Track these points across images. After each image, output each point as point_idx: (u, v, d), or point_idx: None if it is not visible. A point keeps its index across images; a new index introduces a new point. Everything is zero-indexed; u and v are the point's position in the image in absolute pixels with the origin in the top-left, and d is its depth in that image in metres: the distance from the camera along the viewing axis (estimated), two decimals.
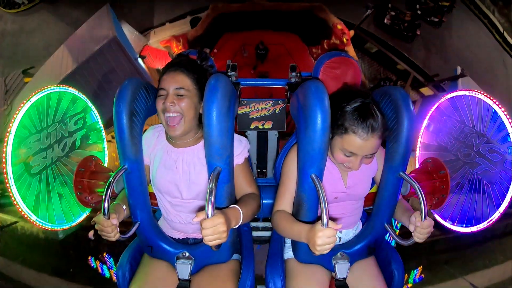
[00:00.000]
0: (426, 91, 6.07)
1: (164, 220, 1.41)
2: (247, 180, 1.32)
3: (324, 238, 1.01)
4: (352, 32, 6.04)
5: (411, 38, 7.24)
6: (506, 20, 8.11)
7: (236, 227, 1.15)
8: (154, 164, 1.33)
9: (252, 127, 1.69)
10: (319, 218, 1.03)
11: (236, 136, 1.31)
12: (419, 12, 7.82)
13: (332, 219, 1.06)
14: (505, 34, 7.85)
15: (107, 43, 3.72)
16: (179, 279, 1.30)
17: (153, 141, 1.34)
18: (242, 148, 1.31)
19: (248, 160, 1.36)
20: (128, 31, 5.43)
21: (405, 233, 1.20)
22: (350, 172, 1.28)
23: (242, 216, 1.16)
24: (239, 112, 1.65)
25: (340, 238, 1.40)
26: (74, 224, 1.59)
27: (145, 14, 6.90)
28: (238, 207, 1.17)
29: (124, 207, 1.26)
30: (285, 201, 1.29)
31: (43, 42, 6.65)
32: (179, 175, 1.29)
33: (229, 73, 1.62)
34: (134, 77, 1.33)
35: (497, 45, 7.80)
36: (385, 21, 7.44)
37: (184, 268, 1.30)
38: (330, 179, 1.29)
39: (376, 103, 1.20)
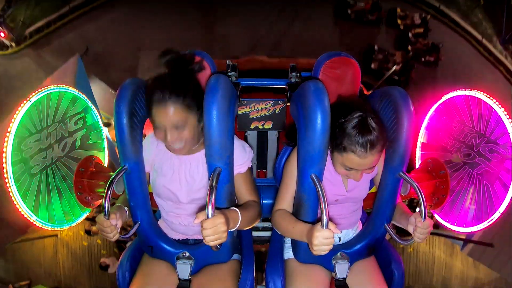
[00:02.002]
0: None
1: (164, 221, 1.41)
2: (248, 189, 1.31)
3: (320, 238, 1.01)
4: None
5: (404, 83, 6.96)
6: None
7: (233, 229, 1.14)
8: (154, 172, 1.31)
9: (252, 127, 1.69)
10: (320, 219, 1.04)
11: (240, 143, 1.30)
12: (411, 53, 7.55)
13: (332, 220, 1.07)
14: None
15: None
16: (179, 279, 1.30)
17: (153, 150, 1.31)
18: (246, 158, 1.28)
19: (251, 169, 1.34)
20: (100, 88, 4.97)
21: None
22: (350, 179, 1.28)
23: (240, 219, 1.16)
24: (239, 112, 1.65)
25: (340, 238, 1.40)
26: (74, 224, 1.59)
27: (128, 71, 6.76)
28: (237, 209, 1.17)
29: (127, 209, 1.25)
30: (286, 201, 1.29)
31: (21, 90, 6.43)
32: (181, 183, 1.27)
33: (229, 73, 1.61)
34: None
35: None
36: (372, 66, 7.26)
37: (184, 268, 1.30)
38: (331, 183, 1.28)
39: (374, 113, 1.18)
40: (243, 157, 1.27)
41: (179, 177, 1.27)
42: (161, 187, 1.30)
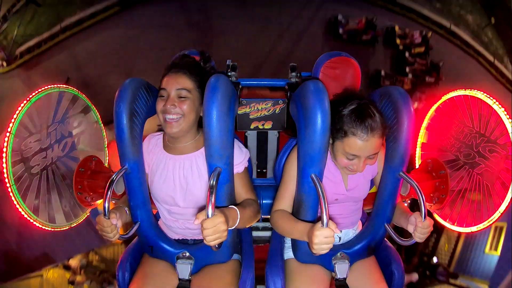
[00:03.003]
0: None
1: (164, 223, 1.41)
2: (245, 188, 1.31)
3: (320, 237, 1.01)
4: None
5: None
6: None
7: (232, 228, 1.15)
8: (152, 174, 1.32)
9: (252, 127, 1.69)
10: (320, 218, 1.04)
11: (236, 143, 1.30)
12: (410, 75, 7.13)
13: (332, 220, 1.07)
14: None
15: None
16: (179, 279, 1.30)
17: (151, 151, 1.32)
18: (242, 158, 1.29)
19: (248, 169, 1.35)
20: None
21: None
22: (351, 174, 1.28)
23: (239, 216, 1.16)
24: (239, 112, 1.65)
25: (340, 238, 1.40)
26: (74, 224, 1.59)
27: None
28: (235, 208, 1.17)
29: (127, 209, 1.26)
30: (286, 201, 1.29)
31: (4, 113, 6.21)
32: (176, 185, 1.28)
33: (229, 73, 1.62)
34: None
35: None
36: None
37: (184, 268, 1.30)
38: (332, 181, 1.29)
39: (372, 102, 1.20)
40: (239, 157, 1.28)
41: (173, 179, 1.28)
42: (157, 190, 1.30)
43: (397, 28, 7.72)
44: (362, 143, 1.14)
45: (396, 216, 1.30)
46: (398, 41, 7.67)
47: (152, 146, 1.34)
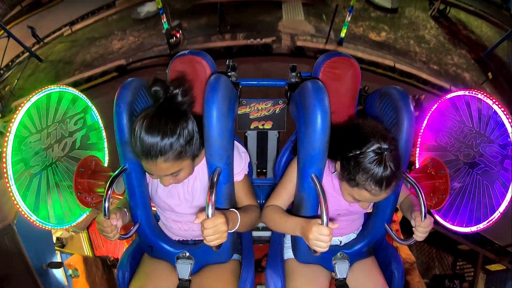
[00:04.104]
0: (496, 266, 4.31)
1: (164, 225, 1.41)
2: (246, 194, 1.31)
3: (316, 234, 1.01)
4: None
5: None
6: None
7: (232, 231, 1.14)
8: (153, 185, 1.29)
9: (252, 127, 1.69)
10: (319, 216, 1.03)
11: (237, 149, 1.27)
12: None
13: (332, 220, 1.06)
14: None
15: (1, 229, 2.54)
16: (179, 279, 1.30)
17: None
18: (242, 166, 1.27)
19: (248, 170, 1.34)
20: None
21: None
22: None
23: (239, 220, 1.15)
24: (239, 112, 1.65)
25: (340, 242, 1.40)
26: (74, 224, 1.59)
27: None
28: (236, 211, 1.17)
29: (127, 211, 1.25)
30: (281, 200, 1.29)
31: None
32: (181, 200, 1.26)
33: (229, 73, 1.62)
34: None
35: None
36: None
37: (184, 268, 1.30)
38: (335, 198, 1.25)
39: (391, 140, 1.05)
40: (239, 165, 1.26)
41: (177, 193, 1.26)
42: (160, 202, 1.29)
43: None
44: (372, 197, 1.08)
45: (404, 208, 1.30)
46: None
47: None
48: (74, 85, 7.35)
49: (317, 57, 1.45)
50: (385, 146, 1.02)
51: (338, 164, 1.13)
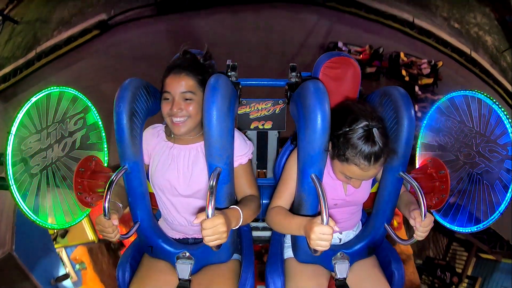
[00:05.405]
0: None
1: (164, 221, 1.41)
2: (248, 181, 1.32)
3: (318, 233, 1.01)
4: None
5: None
6: None
7: (236, 228, 1.15)
8: (154, 163, 1.32)
9: (252, 127, 1.69)
10: (320, 214, 1.03)
11: (242, 136, 1.31)
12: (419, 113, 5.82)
13: (332, 217, 1.06)
14: None
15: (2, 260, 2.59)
16: (179, 279, 1.30)
17: (153, 140, 1.34)
18: (247, 149, 1.30)
19: (251, 161, 1.35)
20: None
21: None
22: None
23: (242, 217, 1.16)
24: (239, 112, 1.65)
25: (340, 239, 1.40)
26: (74, 224, 1.59)
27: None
28: (238, 208, 1.17)
29: (120, 204, 1.26)
30: (284, 199, 1.29)
31: None
32: (180, 172, 1.28)
33: (229, 73, 1.61)
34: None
35: None
36: None
37: (184, 268, 1.30)
38: (331, 186, 1.28)
39: (379, 119, 1.14)
40: (244, 148, 1.29)
41: (177, 167, 1.28)
42: (159, 178, 1.31)
43: (402, 55, 6.48)
44: (362, 172, 1.12)
45: (402, 206, 1.30)
46: (403, 72, 6.43)
47: (152, 136, 1.35)
48: (54, 49, 6.79)
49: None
50: (373, 123, 1.09)
51: (329, 144, 1.16)
